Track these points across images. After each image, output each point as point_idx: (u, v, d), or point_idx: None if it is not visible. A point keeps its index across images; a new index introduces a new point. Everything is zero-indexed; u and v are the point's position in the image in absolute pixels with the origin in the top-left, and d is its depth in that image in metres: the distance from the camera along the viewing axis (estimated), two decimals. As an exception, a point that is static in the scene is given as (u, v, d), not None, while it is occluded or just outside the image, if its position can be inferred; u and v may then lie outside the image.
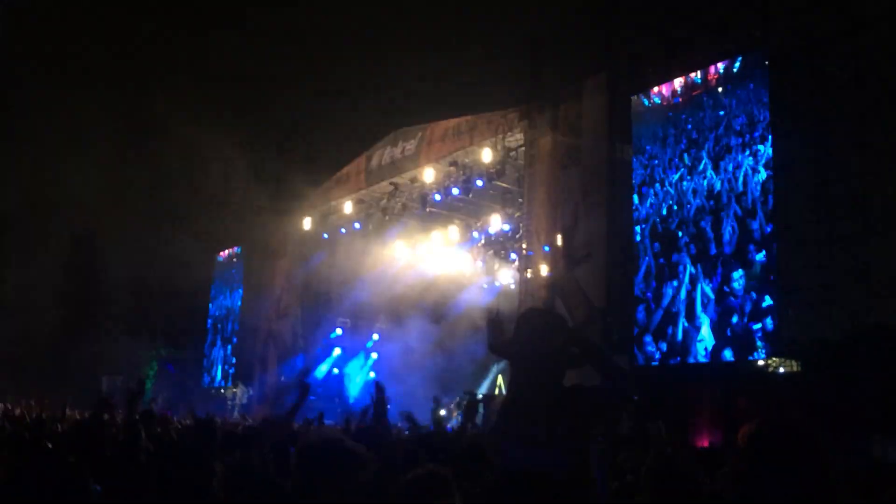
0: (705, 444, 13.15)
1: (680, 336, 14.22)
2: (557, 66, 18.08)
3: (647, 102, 16.03)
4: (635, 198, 15.79)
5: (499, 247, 21.50)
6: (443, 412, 20.44)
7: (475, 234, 22.11)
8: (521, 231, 18.85)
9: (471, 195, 19.97)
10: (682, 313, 14.26)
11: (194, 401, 27.16)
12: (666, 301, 14.58)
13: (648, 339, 14.74)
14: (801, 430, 1.97)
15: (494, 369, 22.66)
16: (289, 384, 23.62)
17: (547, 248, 17.36)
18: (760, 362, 13.37)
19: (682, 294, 14.35)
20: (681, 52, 15.75)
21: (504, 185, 19.46)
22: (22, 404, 17.75)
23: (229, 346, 29.36)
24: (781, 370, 13.16)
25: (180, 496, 2.75)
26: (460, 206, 21.13)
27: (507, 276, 22.04)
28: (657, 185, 15.46)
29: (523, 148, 18.15)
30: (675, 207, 15.01)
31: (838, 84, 13.63)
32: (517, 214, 19.46)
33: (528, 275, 17.74)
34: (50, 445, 3.51)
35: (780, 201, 13.58)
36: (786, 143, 13.95)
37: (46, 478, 2.29)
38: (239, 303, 29.08)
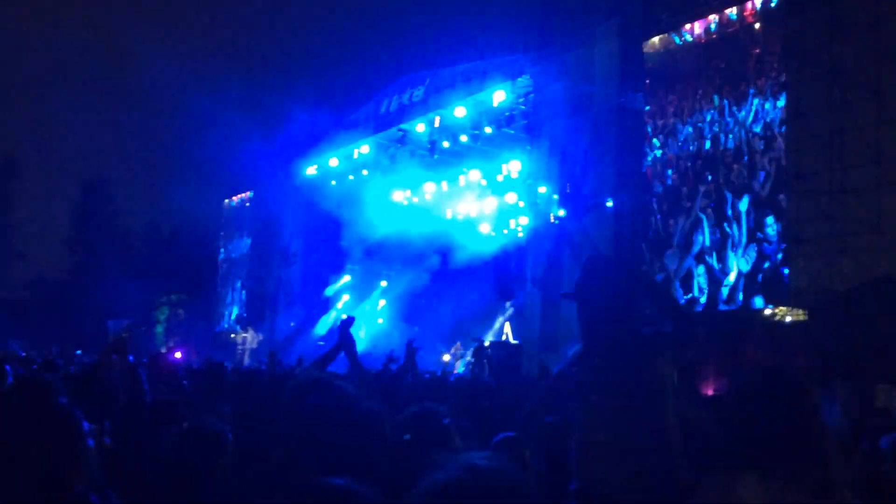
0: (710, 391, 13.28)
1: (705, 282, 14.12)
2: (568, 12, 17.68)
3: (678, 40, 15.58)
4: (658, 139, 15.47)
5: (507, 194, 21.40)
6: (447, 358, 20.68)
7: (484, 182, 21.98)
8: (529, 178, 18.73)
9: (479, 142, 19.79)
10: (712, 257, 14.12)
11: (205, 345, 27.57)
12: (696, 248, 14.41)
13: (676, 285, 14.63)
14: (786, 376, 1.99)
15: (501, 318, 22.80)
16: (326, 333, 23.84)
17: (556, 196, 17.28)
18: (767, 311, 13.40)
19: (707, 239, 14.19)
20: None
21: (513, 131, 19.25)
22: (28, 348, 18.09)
23: (239, 292, 29.63)
24: (788, 319, 13.20)
25: (188, 441, 2.77)
26: (469, 152, 20.95)
27: (515, 224, 21.98)
28: (687, 125, 15.14)
29: (533, 94, 17.89)
30: (708, 147, 14.64)
31: (854, 30, 13.29)
32: (526, 161, 19.30)
33: (537, 223, 17.70)
34: (48, 385, 3.51)
35: (792, 150, 13.43)
36: (799, 91, 13.71)
37: (35, 414, 2.29)
38: (249, 249, 29.22)
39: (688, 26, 15.30)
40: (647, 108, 15.97)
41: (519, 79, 18.02)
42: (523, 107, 18.27)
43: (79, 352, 19.17)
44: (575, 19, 17.52)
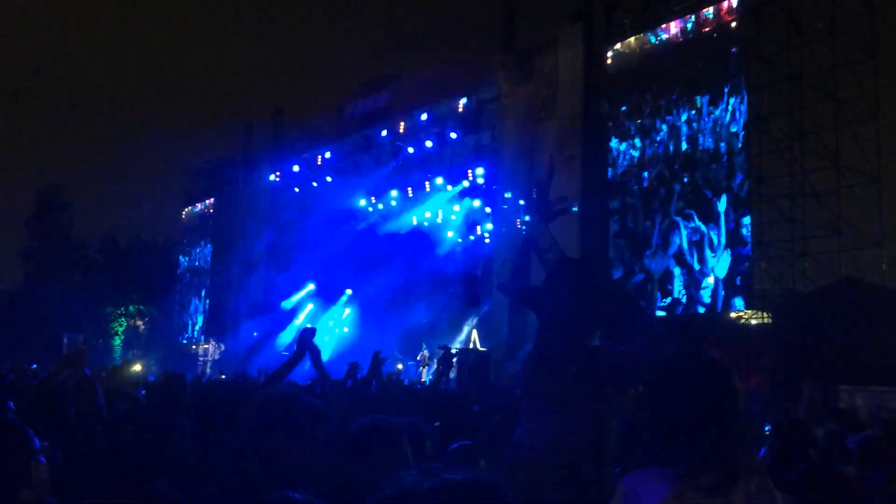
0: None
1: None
2: (533, 16, 17.76)
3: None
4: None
5: (473, 200, 21.33)
6: (400, 367, 20.52)
7: (449, 188, 21.89)
8: (495, 184, 18.68)
9: (445, 148, 19.71)
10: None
11: (165, 357, 26.97)
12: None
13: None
14: (708, 360, 1.99)
15: (468, 325, 22.70)
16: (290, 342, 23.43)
17: (522, 202, 17.25)
18: (733, 314, 13.51)
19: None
20: (655, 0, 15.54)
21: (478, 137, 19.21)
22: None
23: (203, 302, 29.07)
24: (753, 322, 13.32)
25: (144, 453, 2.64)
26: (434, 158, 20.86)
27: (481, 230, 21.92)
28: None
29: (498, 100, 17.88)
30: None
31: (811, 35, 13.54)
32: (491, 167, 19.26)
33: (503, 228, 17.66)
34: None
35: (753, 154, 13.59)
36: (759, 95, 13.90)
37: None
38: (210, 257, 28.70)
39: (664, 25, 15.24)
40: (624, 108, 15.87)
41: (484, 84, 17.99)
42: (489, 112, 18.24)
43: (34, 366, 18.52)
44: (539, 25, 17.59)
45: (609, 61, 16.11)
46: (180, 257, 31.18)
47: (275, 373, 3.82)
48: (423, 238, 22.95)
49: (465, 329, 22.69)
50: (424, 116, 19.11)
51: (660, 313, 13.95)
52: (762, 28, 14.05)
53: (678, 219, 14.40)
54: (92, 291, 31.96)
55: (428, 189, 21.99)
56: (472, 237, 22.39)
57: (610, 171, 15.65)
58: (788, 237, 13.42)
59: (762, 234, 13.45)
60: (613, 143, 15.86)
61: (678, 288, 14.12)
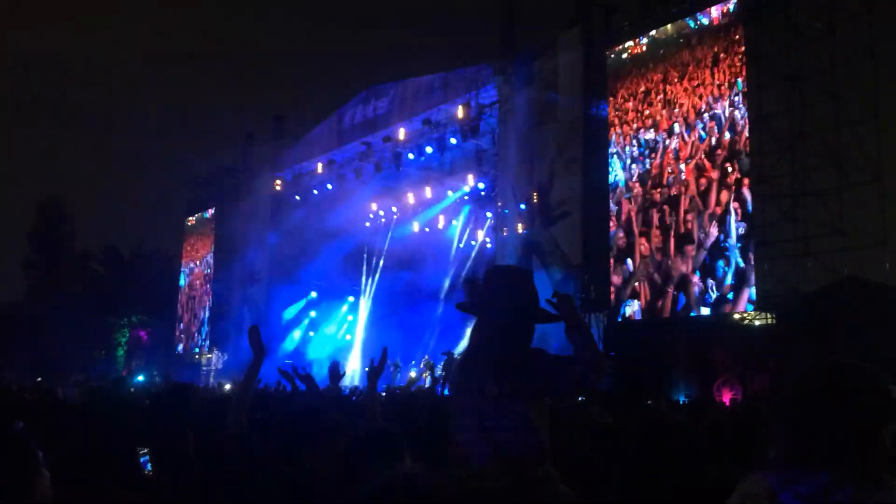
0: (680, 397, 13.27)
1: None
2: (531, 21, 17.79)
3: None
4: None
5: (474, 206, 21.33)
6: (413, 374, 20.48)
7: (450, 194, 21.90)
8: (496, 189, 18.67)
9: (445, 154, 19.72)
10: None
11: (169, 367, 26.92)
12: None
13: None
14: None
15: (470, 331, 22.61)
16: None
17: (523, 206, 17.24)
18: (737, 315, 13.46)
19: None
20: (654, 3, 15.53)
21: (479, 142, 19.22)
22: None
23: (202, 312, 29.05)
24: (757, 323, 13.27)
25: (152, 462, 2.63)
26: (435, 164, 20.87)
27: (483, 236, 21.91)
28: (640, 135, 15.12)
29: (497, 105, 17.89)
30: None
31: (811, 35, 13.53)
32: (492, 172, 19.26)
33: (505, 233, 17.63)
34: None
35: (755, 153, 13.56)
36: (759, 95, 13.89)
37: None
38: (212, 267, 28.69)
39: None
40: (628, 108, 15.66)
41: (483, 89, 18.01)
42: (488, 117, 18.24)
43: (38, 378, 18.53)
44: (538, 29, 17.60)
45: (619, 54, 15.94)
46: (182, 267, 31.18)
47: (245, 380, 3.70)
48: (423, 244, 22.95)
49: (468, 334, 22.61)
50: (424, 122, 19.13)
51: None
52: (761, 28, 14.05)
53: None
54: (94, 302, 31.91)
55: (428, 195, 22.01)
56: (473, 242, 22.39)
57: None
58: (791, 237, 13.38)
59: (765, 235, 13.40)
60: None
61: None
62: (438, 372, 18.72)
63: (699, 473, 2.49)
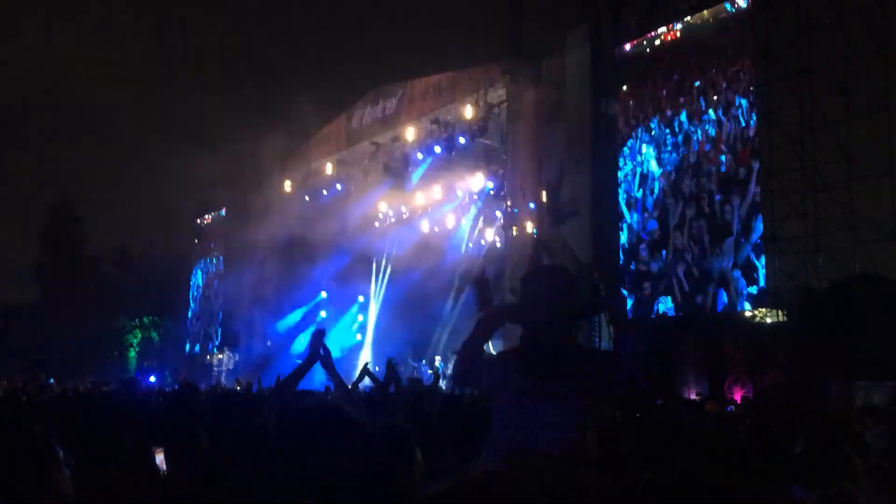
0: (691, 394, 13.23)
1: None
2: (539, 20, 17.77)
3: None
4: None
5: (484, 205, 21.29)
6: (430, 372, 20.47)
7: (459, 193, 21.88)
8: (505, 188, 18.65)
9: (454, 153, 19.70)
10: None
11: (180, 368, 27.05)
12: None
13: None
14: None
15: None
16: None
17: (532, 205, 17.22)
18: (747, 312, 13.39)
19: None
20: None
21: (487, 142, 19.19)
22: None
23: (213, 312, 29.15)
24: (768, 320, 13.19)
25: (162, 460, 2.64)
26: (444, 164, 20.86)
27: (492, 235, 21.88)
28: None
29: (506, 104, 17.86)
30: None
31: (821, 29, 13.43)
32: (501, 172, 19.23)
33: (514, 233, 17.61)
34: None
35: (765, 149, 13.48)
36: (769, 90, 13.81)
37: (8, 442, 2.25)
38: (222, 268, 28.80)
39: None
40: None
41: (492, 88, 17.98)
42: (497, 116, 18.22)
43: (51, 381, 18.61)
44: (545, 28, 17.59)
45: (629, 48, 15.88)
46: (193, 268, 31.30)
47: (287, 378, 3.74)
48: (433, 243, 22.93)
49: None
50: (433, 122, 19.12)
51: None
52: (770, 22, 13.97)
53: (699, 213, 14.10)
54: (106, 304, 32.06)
55: (437, 194, 22.00)
56: (482, 241, 22.36)
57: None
58: (801, 233, 13.29)
59: (775, 230, 13.32)
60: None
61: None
62: (448, 370, 18.72)
63: (712, 472, 2.49)
